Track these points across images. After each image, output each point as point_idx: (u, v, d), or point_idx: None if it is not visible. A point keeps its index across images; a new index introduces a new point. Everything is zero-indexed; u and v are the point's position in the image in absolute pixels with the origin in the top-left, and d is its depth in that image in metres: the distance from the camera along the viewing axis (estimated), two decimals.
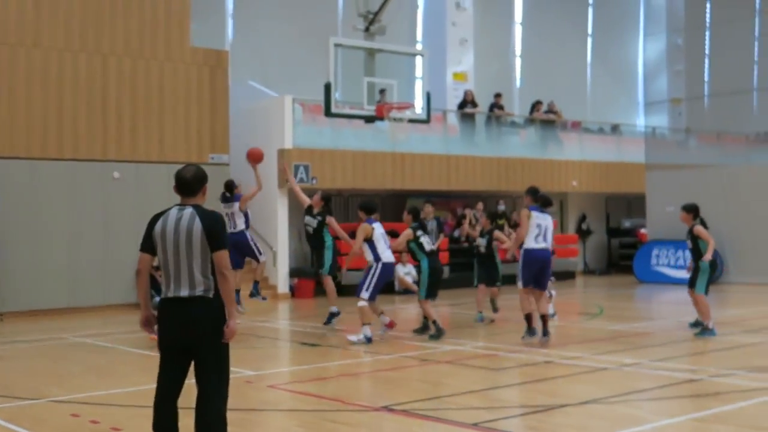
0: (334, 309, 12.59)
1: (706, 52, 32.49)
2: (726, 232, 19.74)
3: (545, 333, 11.00)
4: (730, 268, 20.38)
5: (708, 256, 11.64)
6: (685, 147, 27.26)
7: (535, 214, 11.12)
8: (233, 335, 5.20)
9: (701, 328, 11.78)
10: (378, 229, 11.57)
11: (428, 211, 14.61)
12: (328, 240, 12.65)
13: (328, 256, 12.59)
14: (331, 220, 12.60)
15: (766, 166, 20.93)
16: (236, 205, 13.00)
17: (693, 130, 29.21)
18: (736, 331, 12.00)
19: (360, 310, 11.31)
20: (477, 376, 9.17)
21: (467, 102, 22.26)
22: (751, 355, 10.30)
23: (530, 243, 11.05)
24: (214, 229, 5.17)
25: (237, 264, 13.58)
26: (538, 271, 11.10)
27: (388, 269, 11.48)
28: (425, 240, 11.77)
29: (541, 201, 11.41)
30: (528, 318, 11.21)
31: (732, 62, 31.32)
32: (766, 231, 20.23)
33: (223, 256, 5.14)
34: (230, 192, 13.06)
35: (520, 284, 11.22)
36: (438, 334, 11.57)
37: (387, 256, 11.46)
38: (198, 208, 5.25)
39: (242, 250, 13.21)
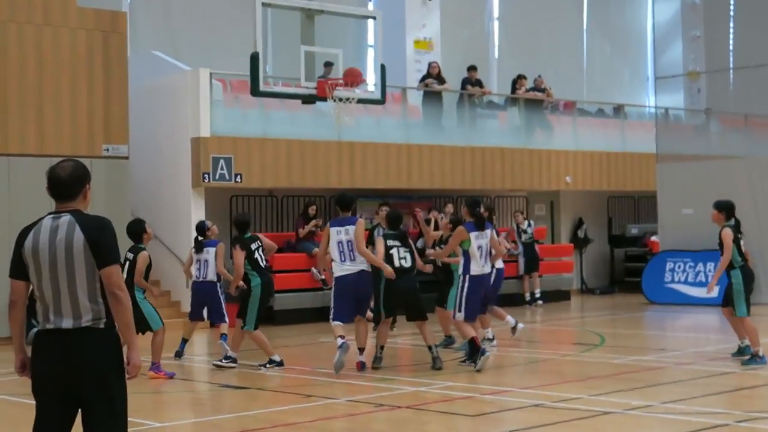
0: (276, 358, 12.61)
1: (731, 13, 32.95)
2: (754, 239, 19.91)
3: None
4: (760, 284, 20.53)
5: (713, 284, 11.94)
6: (705, 133, 27.63)
7: (473, 234, 11.88)
8: (137, 371, 5.18)
9: (749, 355, 12.13)
10: (337, 236, 11.81)
11: (382, 215, 14.65)
12: (254, 279, 12.43)
13: (252, 307, 12.32)
14: (223, 250, 13.07)
15: None
16: (212, 252, 13.26)
17: (714, 112, 29.60)
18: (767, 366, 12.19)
19: (333, 331, 11.88)
20: (444, 425, 9.18)
21: (432, 77, 22.37)
22: None
23: (476, 268, 11.93)
24: (101, 240, 5.11)
25: (196, 315, 13.73)
26: (483, 296, 12.20)
27: (342, 283, 11.83)
28: (397, 253, 11.99)
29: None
30: (473, 342, 11.88)
31: (763, 26, 31.76)
32: None
33: (114, 273, 5.09)
34: (202, 235, 13.54)
35: (460, 315, 11.91)
36: (376, 363, 12.17)
37: (341, 269, 11.82)
38: (78, 215, 5.18)
39: (204, 302, 13.48)
